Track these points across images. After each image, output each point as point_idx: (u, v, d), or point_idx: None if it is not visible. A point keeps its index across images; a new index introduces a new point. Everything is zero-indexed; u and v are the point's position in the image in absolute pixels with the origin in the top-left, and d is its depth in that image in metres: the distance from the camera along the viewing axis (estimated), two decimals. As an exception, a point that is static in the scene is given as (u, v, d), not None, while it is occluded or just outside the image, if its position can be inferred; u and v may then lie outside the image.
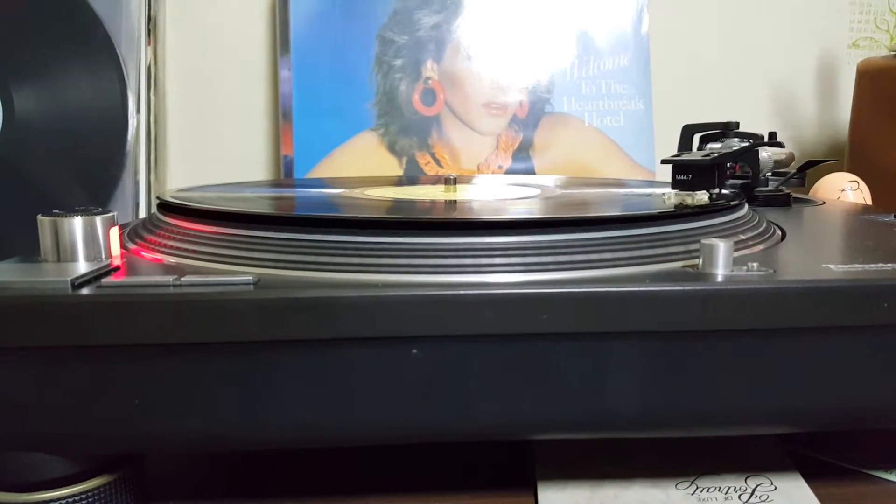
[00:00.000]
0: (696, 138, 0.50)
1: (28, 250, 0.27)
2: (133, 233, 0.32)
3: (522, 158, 0.68)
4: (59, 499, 0.25)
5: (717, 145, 0.45)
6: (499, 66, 0.68)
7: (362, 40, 0.66)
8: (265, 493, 0.29)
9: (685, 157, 0.34)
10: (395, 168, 0.66)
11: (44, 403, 0.24)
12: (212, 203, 0.33)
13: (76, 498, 0.26)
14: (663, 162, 0.35)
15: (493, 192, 0.42)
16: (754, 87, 0.77)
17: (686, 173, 0.32)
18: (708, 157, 0.32)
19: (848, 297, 0.24)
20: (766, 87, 0.77)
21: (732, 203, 0.33)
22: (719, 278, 0.25)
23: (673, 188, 0.34)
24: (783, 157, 0.44)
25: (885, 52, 0.67)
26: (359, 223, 0.27)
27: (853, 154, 0.68)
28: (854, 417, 0.27)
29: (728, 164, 0.36)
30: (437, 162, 0.67)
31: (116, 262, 0.27)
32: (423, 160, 0.66)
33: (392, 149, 0.66)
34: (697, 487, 0.29)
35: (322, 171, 0.65)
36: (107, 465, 0.26)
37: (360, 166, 0.65)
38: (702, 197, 0.31)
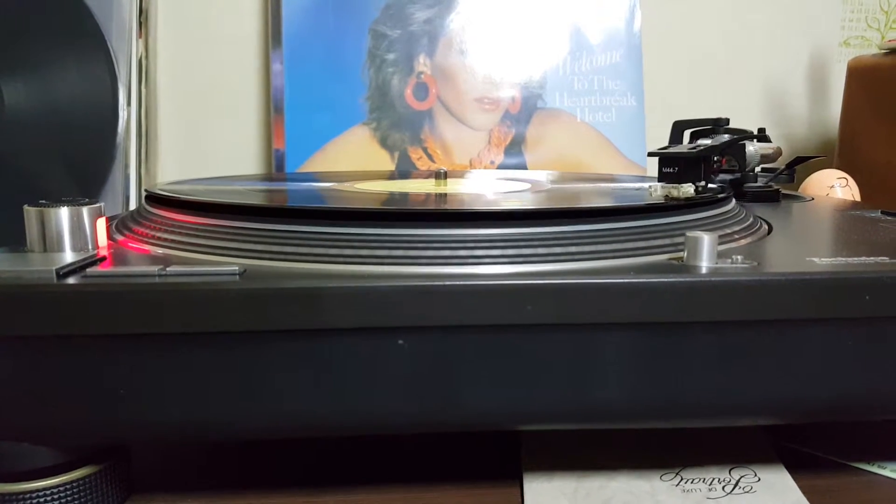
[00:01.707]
0: (687, 134, 0.50)
1: (17, 242, 0.27)
2: (121, 224, 0.32)
3: (514, 154, 0.68)
4: (44, 489, 0.25)
5: (706, 141, 0.46)
6: (491, 61, 0.68)
7: (355, 34, 0.66)
8: (251, 485, 0.29)
9: (672, 149, 0.34)
10: (387, 162, 0.66)
11: (29, 393, 0.24)
12: (199, 195, 0.33)
13: (61, 488, 0.25)
14: (650, 154, 0.35)
15: (481, 186, 0.42)
16: (746, 85, 0.77)
17: (672, 166, 0.32)
18: (694, 150, 0.32)
19: (830, 290, 0.24)
20: (757, 84, 0.78)
21: (719, 196, 0.33)
22: (703, 270, 0.25)
23: (659, 180, 0.34)
24: (770, 151, 0.45)
25: (875, 51, 0.67)
26: (345, 215, 0.27)
27: (843, 151, 0.68)
28: (837, 409, 0.27)
29: (714, 158, 0.36)
30: (430, 156, 0.67)
31: (103, 252, 0.27)
32: (416, 155, 0.66)
33: (384, 143, 0.66)
34: (682, 479, 0.29)
35: (314, 165, 0.65)
36: (92, 456, 0.26)
37: (352, 160, 0.65)
38: (687, 189, 0.32)
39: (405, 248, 0.26)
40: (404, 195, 0.37)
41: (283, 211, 0.28)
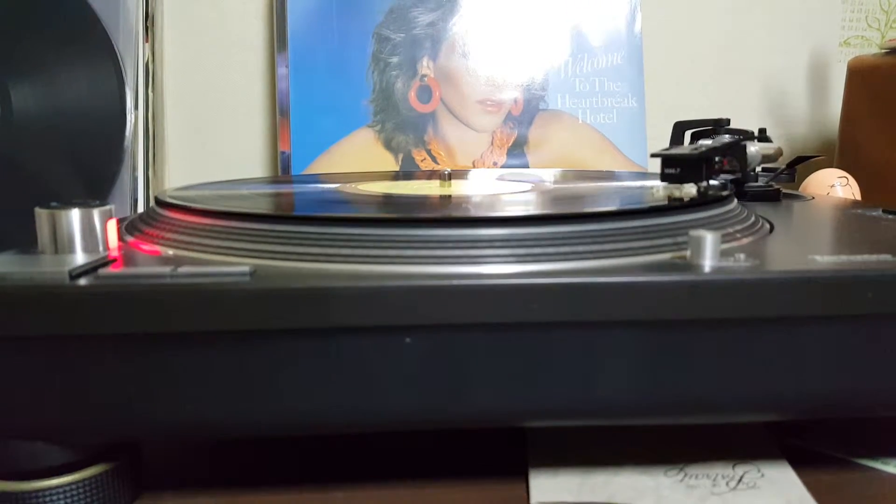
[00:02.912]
0: (688, 135, 0.50)
1: (27, 244, 0.27)
2: (131, 226, 0.33)
3: (517, 155, 0.68)
4: (56, 487, 0.26)
5: (707, 142, 0.46)
6: (494, 63, 0.68)
7: (359, 38, 0.66)
8: (261, 482, 0.30)
9: (674, 150, 0.34)
10: (391, 164, 0.66)
11: (42, 392, 0.24)
12: (209, 203, 0.33)
13: (74, 486, 0.26)
14: (653, 156, 0.35)
15: (485, 187, 0.43)
16: (746, 85, 0.78)
17: (674, 166, 0.33)
18: (696, 151, 0.33)
19: (832, 287, 0.25)
20: (757, 84, 0.78)
21: (722, 194, 0.34)
22: (706, 269, 0.25)
23: (662, 181, 0.35)
24: (771, 151, 0.45)
25: (875, 50, 0.68)
26: (353, 216, 0.28)
27: (843, 150, 0.68)
28: (840, 405, 0.27)
29: (716, 158, 0.37)
30: (433, 158, 0.67)
31: (114, 253, 0.27)
32: (420, 157, 0.67)
33: (388, 145, 0.66)
34: (686, 474, 0.29)
35: (319, 167, 0.65)
36: (104, 454, 0.27)
37: (356, 163, 0.66)
38: (689, 190, 0.32)
39: (413, 249, 0.26)
40: (410, 196, 0.38)
41: (292, 212, 0.29)
